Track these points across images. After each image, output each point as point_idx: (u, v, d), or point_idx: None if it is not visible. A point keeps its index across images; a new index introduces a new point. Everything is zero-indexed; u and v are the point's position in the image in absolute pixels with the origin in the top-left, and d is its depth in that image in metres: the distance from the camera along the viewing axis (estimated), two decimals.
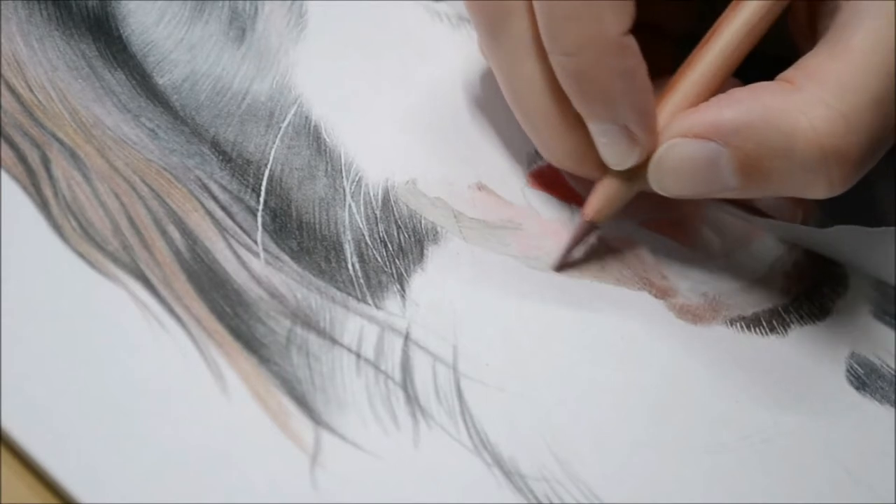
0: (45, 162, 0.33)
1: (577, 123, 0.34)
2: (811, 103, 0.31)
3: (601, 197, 0.35)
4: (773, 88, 0.33)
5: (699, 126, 0.33)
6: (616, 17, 0.32)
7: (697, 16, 0.38)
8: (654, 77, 0.33)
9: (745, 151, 0.32)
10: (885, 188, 0.39)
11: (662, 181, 0.34)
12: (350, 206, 0.35)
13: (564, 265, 0.36)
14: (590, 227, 0.35)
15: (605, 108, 0.33)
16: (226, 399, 0.30)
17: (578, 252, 0.36)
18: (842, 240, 0.37)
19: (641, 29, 0.33)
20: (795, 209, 0.37)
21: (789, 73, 0.33)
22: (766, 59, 0.34)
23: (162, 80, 0.37)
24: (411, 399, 0.31)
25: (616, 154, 0.34)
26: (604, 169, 0.35)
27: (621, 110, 0.33)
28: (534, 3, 0.33)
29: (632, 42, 0.33)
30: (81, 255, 0.32)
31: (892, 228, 0.36)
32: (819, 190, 0.32)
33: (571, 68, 0.33)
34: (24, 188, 0.32)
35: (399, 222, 0.36)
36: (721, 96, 0.33)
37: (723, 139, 0.32)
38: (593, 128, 0.34)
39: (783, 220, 0.37)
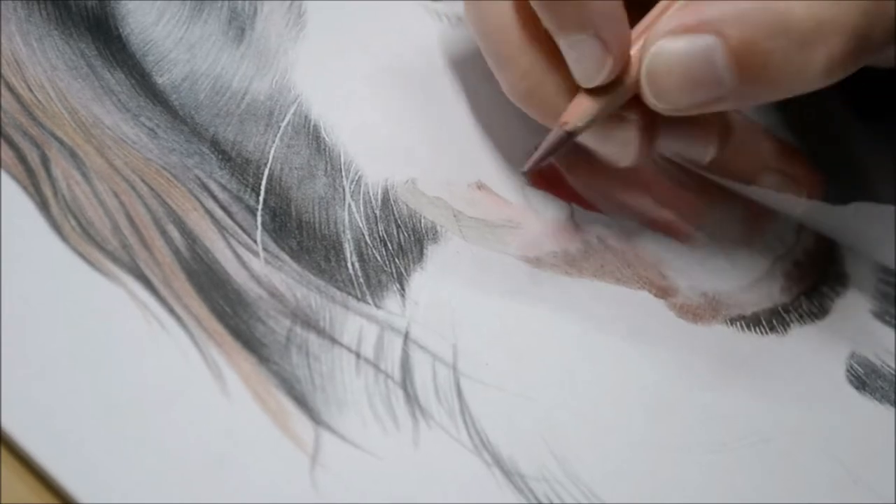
0: (45, 161, 0.33)
1: (545, 60, 0.34)
2: None
3: (576, 109, 0.34)
4: None
5: (689, 19, 0.32)
6: None
7: None
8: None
9: (739, 38, 0.31)
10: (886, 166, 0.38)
11: (655, 87, 0.33)
12: (350, 205, 0.35)
13: (534, 171, 0.36)
14: (565, 137, 0.34)
15: (573, 14, 0.32)
16: (226, 399, 0.30)
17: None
18: (853, 218, 0.36)
19: None
20: (800, 188, 0.37)
21: None
22: None
23: (161, 80, 0.37)
24: (411, 399, 0.31)
25: (588, 68, 0.33)
26: (560, 116, 0.34)
27: (590, 14, 0.32)
28: None
29: None
30: (81, 255, 0.31)
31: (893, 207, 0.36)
32: (819, 67, 0.31)
33: None
34: (24, 188, 0.32)
35: (399, 221, 0.35)
36: None
37: (715, 29, 0.31)
38: (563, 43, 0.33)
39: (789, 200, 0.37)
